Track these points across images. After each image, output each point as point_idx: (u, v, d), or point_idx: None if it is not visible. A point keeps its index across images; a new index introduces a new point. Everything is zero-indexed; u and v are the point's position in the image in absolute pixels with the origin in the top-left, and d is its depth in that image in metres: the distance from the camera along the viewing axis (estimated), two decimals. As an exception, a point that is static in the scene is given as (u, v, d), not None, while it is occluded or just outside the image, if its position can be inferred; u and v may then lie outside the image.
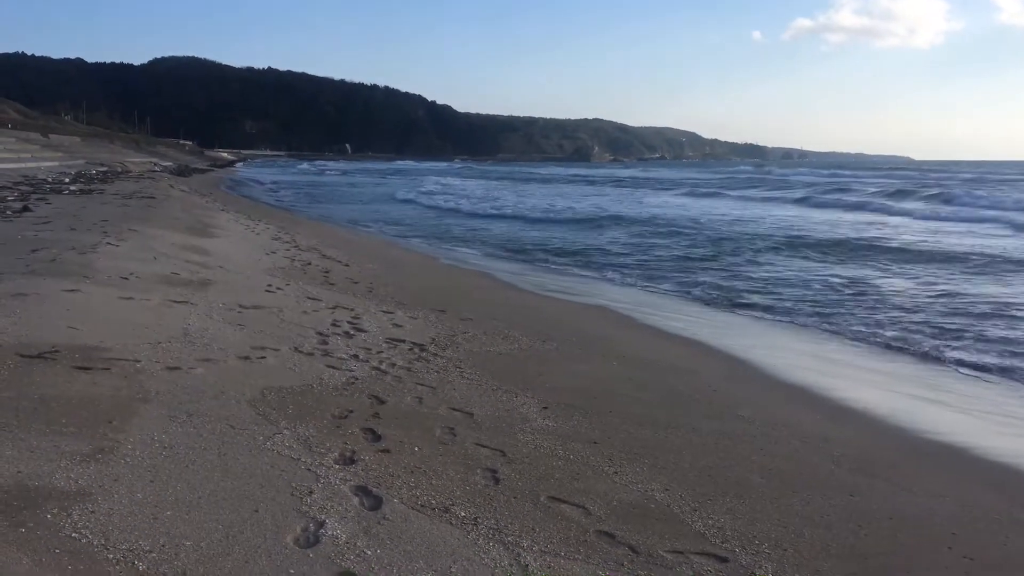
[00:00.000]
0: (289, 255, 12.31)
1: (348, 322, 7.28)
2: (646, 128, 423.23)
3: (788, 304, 10.79)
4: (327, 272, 10.73)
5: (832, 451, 4.84)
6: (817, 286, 12.43)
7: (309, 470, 3.71)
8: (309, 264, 11.43)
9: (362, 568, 2.91)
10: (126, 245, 10.14)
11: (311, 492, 3.46)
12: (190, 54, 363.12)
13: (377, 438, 4.27)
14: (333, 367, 5.60)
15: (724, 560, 3.31)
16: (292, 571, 2.82)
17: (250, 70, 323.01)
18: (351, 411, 4.65)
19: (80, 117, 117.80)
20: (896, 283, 12.91)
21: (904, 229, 23.62)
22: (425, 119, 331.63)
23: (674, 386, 6.21)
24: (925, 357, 7.91)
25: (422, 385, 5.42)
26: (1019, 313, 10.12)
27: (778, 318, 9.94)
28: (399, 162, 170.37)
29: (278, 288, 8.82)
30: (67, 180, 27.28)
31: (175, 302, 7.06)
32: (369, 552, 3.02)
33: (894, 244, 18.80)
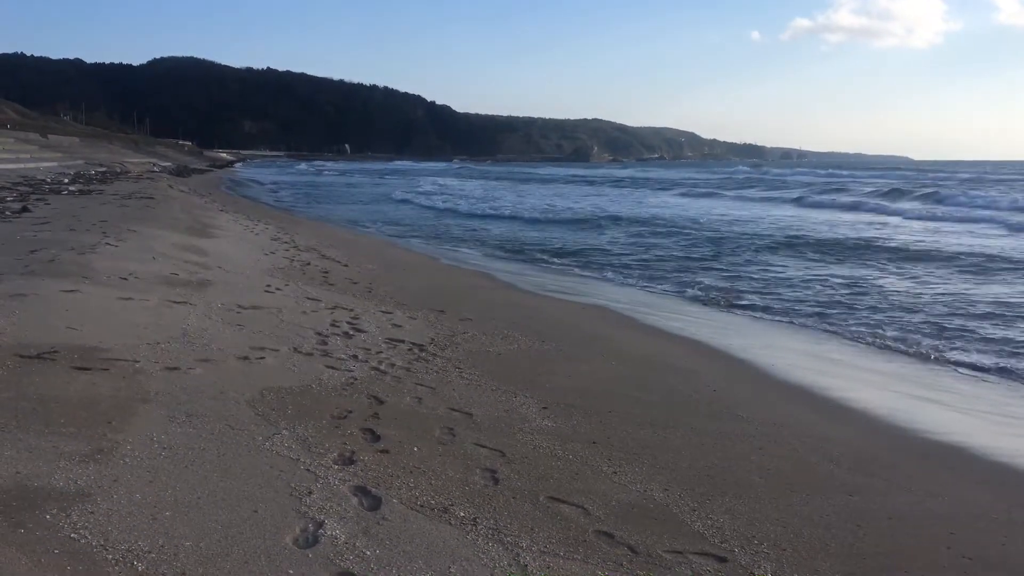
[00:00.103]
0: (288, 255, 12.31)
1: (347, 322, 7.28)
2: (645, 128, 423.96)
3: (787, 304, 10.79)
4: (326, 272, 10.73)
5: (831, 451, 4.84)
6: (816, 286, 12.43)
7: (308, 470, 3.71)
8: (308, 264, 11.43)
9: (361, 568, 2.91)
10: (125, 245, 10.14)
11: (310, 492, 3.47)
12: (189, 54, 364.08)
13: (376, 438, 4.27)
14: (332, 367, 5.60)
15: (723, 560, 3.31)
16: (291, 571, 2.82)
17: (249, 70, 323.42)
18: (350, 411, 4.66)
19: (79, 117, 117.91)
20: (894, 283, 12.92)
21: (901, 229, 23.66)
22: (424, 119, 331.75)
23: (673, 386, 6.21)
24: (924, 357, 7.92)
25: (421, 385, 5.42)
26: (1018, 313, 10.13)
27: (777, 318, 9.94)
28: (397, 162, 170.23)
29: (277, 288, 8.82)
30: (66, 180, 27.27)
31: (174, 302, 7.06)
32: (368, 552, 3.02)
33: (892, 244, 18.81)
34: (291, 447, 3.98)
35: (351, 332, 6.88)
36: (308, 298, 8.40)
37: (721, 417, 5.39)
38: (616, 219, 26.31)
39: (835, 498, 4.07)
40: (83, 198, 19.34)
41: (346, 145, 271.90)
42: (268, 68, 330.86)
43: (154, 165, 58.99)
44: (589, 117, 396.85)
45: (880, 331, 8.99)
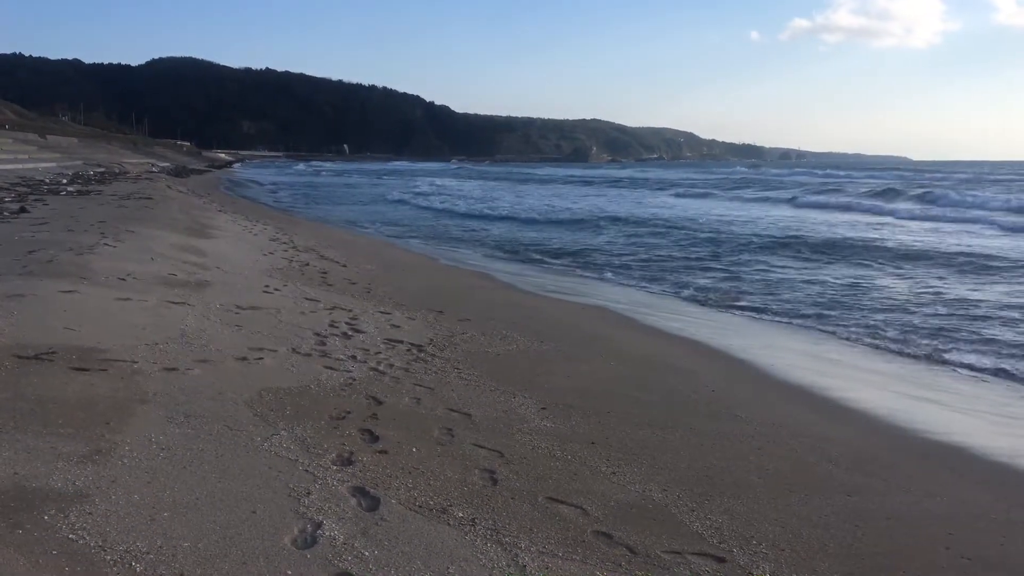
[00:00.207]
0: (287, 256, 12.31)
1: (346, 323, 7.27)
2: (644, 128, 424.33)
3: (786, 304, 10.80)
4: (325, 273, 10.73)
5: (830, 451, 4.84)
6: (815, 286, 12.44)
7: (307, 471, 3.71)
8: (307, 265, 11.43)
9: (359, 569, 2.91)
10: (123, 246, 10.13)
11: (309, 493, 3.46)
12: (188, 55, 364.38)
13: (375, 439, 4.27)
14: (331, 368, 5.60)
15: (722, 560, 3.31)
16: (290, 572, 2.82)
17: (248, 71, 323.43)
18: (349, 412, 4.65)
19: (77, 118, 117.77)
20: (892, 283, 12.93)
21: (899, 229, 23.67)
22: (423, 119, 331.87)
23: (673, 386, 6.21)
24: (923, 357, 7.92)
25: (420, 386, 5.41)
26: (1017, 313, 10.14)
27: (776, 318, 9.95)
28: (395, 163, 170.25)
29: (276, 289, 8.82)
30: (64, 181, 27.24)
31: (172, 303, 7.05)
32: (367, 553, 3.02)
33: (889, 244, 18.83)
34: (289, 448, 3.98)
35: (350, 333, 6.88)
36: (307, 299, 8.39)
37: (720, 417, 5.39)
38: (615, 219, 26.31)
39: (834, 498, 4.07)
40: (81, 199, 19.32)
41: (345, 145, 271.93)
42: (267, 68, 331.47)
43: (152, 165, 58.96)
44: (588, 117, 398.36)
45: (879, 331, 9.00)
